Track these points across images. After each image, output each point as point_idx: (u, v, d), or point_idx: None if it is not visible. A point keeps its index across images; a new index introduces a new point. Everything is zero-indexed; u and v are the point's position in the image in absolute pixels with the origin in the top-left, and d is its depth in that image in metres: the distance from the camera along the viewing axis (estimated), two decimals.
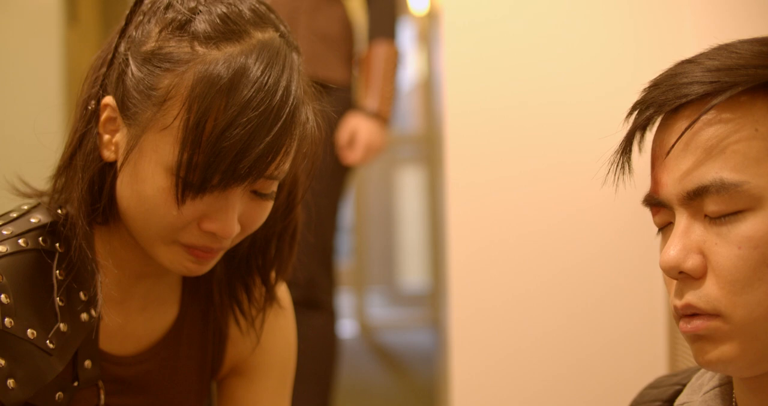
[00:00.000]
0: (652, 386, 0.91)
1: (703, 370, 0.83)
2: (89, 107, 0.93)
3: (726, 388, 0.79)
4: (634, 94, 0.76)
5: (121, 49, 0.91)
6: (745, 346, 0.69)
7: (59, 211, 0.94)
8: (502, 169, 1.90)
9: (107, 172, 0.93)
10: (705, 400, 0.80)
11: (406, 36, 4.96)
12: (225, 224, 0.89)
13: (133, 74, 0.89)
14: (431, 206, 4.70)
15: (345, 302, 4.42)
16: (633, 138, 0.75)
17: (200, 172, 0.85)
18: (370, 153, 2.15)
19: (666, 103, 0.72)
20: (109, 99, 0.91)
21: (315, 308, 2.17)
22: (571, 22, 1.91)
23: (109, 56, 0.92)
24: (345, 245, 5.09)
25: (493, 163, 1.91)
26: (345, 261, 4.93)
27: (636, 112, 0.75)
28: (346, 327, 4.77)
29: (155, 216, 0.88)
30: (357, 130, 2.12)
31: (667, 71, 0.74)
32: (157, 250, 0.91)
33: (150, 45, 0.89)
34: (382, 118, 2.15)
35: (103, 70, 0.92)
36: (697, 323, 0.70)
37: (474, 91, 1.92)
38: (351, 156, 2.13)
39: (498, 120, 1.91)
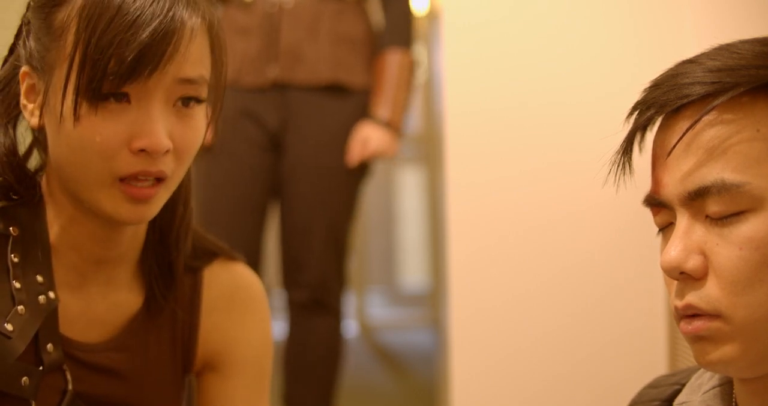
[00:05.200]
0: (651, 386, 0.91)
1: (702, 369, 0.83)
2: (11, 86, 0.94)
3: (726, 388, 0.79)
4: (635, 95, 0.76)
5: (26, 16, 0.93)
6: (746, 347, 0.69)
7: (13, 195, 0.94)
8: (502, 169, 1.91)
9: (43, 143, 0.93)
10: (704, 400, 0.79)
11: None
12: (151, 136, 0.86)
13: (34, 28, 0.90)
14: (431, 205, 4.70)
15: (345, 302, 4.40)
16: (634, 138, 0.75)
17: (89, 73, 0.84)
18: (378, 158, 2.16)
19: (667, 103, 0.72)
20: (25, 67, 0.92)
21: (322, 311, 2.17)
22: (571, 22, 1.91)
23: (19, 29, 0.94)
24: None
25: (493, 163, 1.91)
26: None
27: (637, 113, 0.75)
28: (347, 327, 4.76)
29: (83, 152, 0.87)
30: (368, 139, 2.12)
31: (667, 71, 0.74)
32: (98, 196, 0.89)
33: None
34: (394, 127, 2.15)
35: (18, 42, 0.94)
36: (697, 324, 0.70)
37: (474, 91, 1.92)
38: (357, 158, 2.12)
39: (498, 120, 1.91)
